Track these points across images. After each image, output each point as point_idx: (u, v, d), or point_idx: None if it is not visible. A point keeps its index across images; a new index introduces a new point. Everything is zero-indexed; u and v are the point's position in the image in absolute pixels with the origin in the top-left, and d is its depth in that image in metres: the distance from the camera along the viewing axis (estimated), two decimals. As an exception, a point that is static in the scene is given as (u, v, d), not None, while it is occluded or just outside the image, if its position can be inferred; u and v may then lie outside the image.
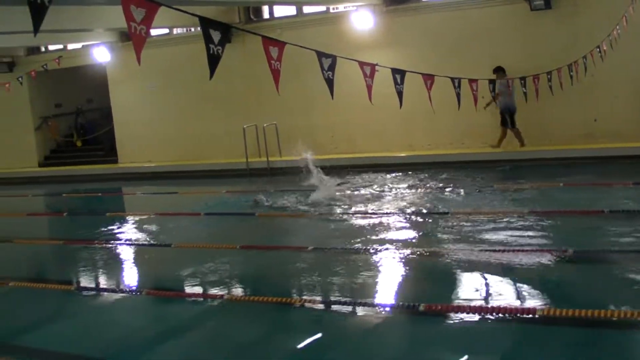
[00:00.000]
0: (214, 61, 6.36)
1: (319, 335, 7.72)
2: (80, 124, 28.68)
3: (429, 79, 11.82)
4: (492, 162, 17.46)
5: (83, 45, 24.98)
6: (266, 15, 22.25)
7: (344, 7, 20.96)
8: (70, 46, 25.70)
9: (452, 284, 8.85)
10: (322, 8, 21.27)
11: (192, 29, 22.76)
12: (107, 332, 8.51)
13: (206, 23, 6.38)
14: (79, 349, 7.90)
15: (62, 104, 28.30)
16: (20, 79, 24.93)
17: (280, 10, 22.02)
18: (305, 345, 7.45)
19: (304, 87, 19.90)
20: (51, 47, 26.28)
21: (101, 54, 24.16)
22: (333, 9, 21.36)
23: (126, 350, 7.78)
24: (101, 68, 25.21)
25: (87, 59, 25.06)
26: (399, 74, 10.70)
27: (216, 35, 6.36)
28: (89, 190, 18.62)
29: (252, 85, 21.44)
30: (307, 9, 21.49)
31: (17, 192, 20.90)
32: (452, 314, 7.66)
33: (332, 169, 16.88)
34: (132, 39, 5.94)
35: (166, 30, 23.25)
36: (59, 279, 11.21)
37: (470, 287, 8.66)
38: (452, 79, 12.22)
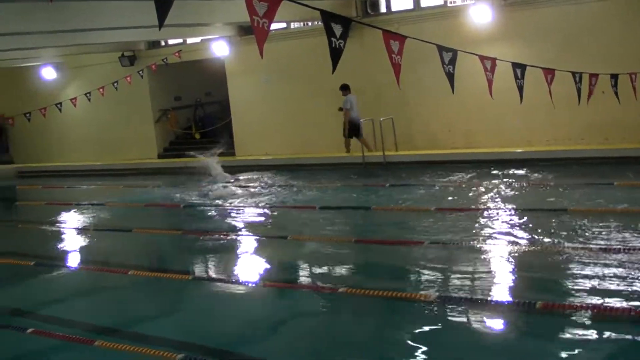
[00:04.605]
0: (336, 55, 6.36)
1: (430, 331, 7.66)
2: (199, 116, 29.15)
3: (549, 73, 11.63)
4: (613, 159, 16.99)
5: (202, 40, 25.35)
6: (383, 9, 22.18)
7: (462, 1, 20.76)
8: (190, 40, 26.11)
9: (570, 282, 8.68)
10: (440, 1, 21.10)
11: (309, 23, 22.86)
12: (223, 321, 8.65)
13: (328, 17, 6.37)
14: (196, 337, 8.02)
15: (181, 97, 28.82)
16: (141, 72, 25.55)
17: (397, 4, 21.91)
18: (418, 340, 7.42)
19: (421, 81, 19.77)
20: (171, 42, 26.76)
21: (220, 48, 24.47)
22: (450, 2, 21.18)
23: (242, 339, 7.87)
24: (219, 62, 25.54)
25: (206, 52, 25.42)
26: (519, 69, 10.56)
27: (338, 29, 6.36)
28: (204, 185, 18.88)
29: (369, 79, 21.40)
30: (424, 2, 21.34)
31: (137, 182, 21.31)
32: (569, 313, 7.51)
33: (447, 165, 16.76)
34: (255, 32, 5.98)
35: (284, 25, 23.40)
36: (177, 269, 11.41)
37: (589, 285, 8.46)
38: (573, 74, 11.98)
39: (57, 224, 16.14)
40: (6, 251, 13.90)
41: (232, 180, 19.25)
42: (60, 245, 14.26)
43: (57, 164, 28.25)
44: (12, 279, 11.75)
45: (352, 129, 21.04)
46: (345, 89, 20.87)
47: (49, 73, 29.18)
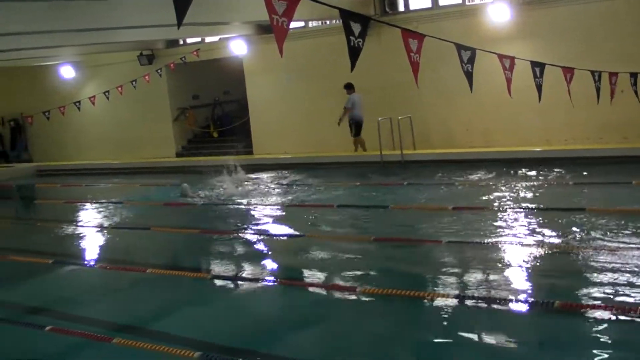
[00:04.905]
0: (354, 53, 6.36)
1: (448, 330, 7.64)
2: (217, 115, 29.23)
3: (568, 72, 11.59)
4: (631, 158, 16.90)
5: (220, 38, 25.41)
6: (401, 7, 22.17)
7: (480, 0, 20.74)
8: (208, 39, 26.19)
9: (589, 281, 8.65)
10: (458, 0, 21.08)
11: (328, 22, 22.89)
12: (241, 320, 8.64)
13: (346, 15, 6.37)
14: (213, 336, 8.03)
15: (200, 95, 28.90)
16: (159, 71, 25.64)
17: (416, 3, 21.90)
18: (437, 340, 7.41)
19: (439, 80, 19.76)
20: (189, 40, 26.85)
21: (238, 47, 24.54)
22: (469, 1, 21.15)
23: (259, 338, 7.88)
24: (238, 60, 25.62)
25: (224, 51, 25.51)
26: (538, 67, 10.53)
27: (356, 28, 6.35)
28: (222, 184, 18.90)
29: (387, 77, 21.42)
30: (442, 1, 21.34)
31: (155, 181, 21.36)
32: (588, 312, 7.48)
33: (465, 163, 16.71)
34: (274, 31, 5.99)
35: (302, 23, 23.42)
36: (195, 267, 11.43)
37: (607, 285, 8.41)
38: (593, 73, 11.93)
39: (75, 222, 16.18)
40: (25, 249, 13.97)
41: (247, 181, 19.27)
42: (78, 243, 14.31)
43: (75, 162, 28.35)
44: (30, 276, 11.79)
45: (357, 127, 21.40)
46: (349, 87, 21.31)
47: (67, 72, 29.34)
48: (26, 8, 14.72)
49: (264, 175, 20.17)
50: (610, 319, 7.25)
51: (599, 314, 7.36)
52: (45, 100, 28.15)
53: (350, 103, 21.27)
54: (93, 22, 16.54)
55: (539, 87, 10.46)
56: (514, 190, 14.48)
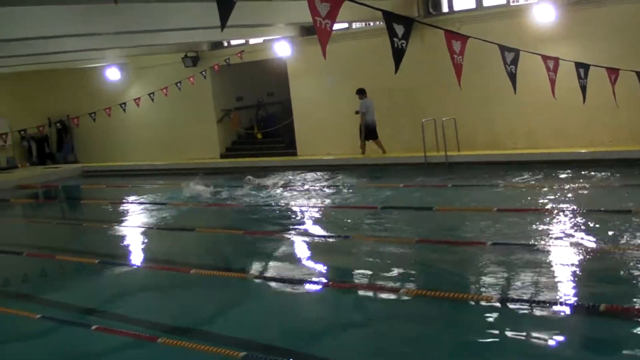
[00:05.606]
0: (398, 55, 6.36)
1: (491, 333, 7.62)
2: (261, 116, 29.32)
3: (613, 73, 11.48)
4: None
5: (264, 40, 25.48)
6: (445, 8, 22.09)
7: (525, 0, 20.62)
8: (252, 41, 26.26)
9: (635, 284, 8.57)
10: (502, 1, 20.98)
11: (371, 24, 22.87)
12: (285, 320, 8.68)
13: (390, 17, 6.37)
14: (257, 336, 8.06)
15: (243, 97, 28.99)
16: (204, 72, 25.77)
17: (460, 4, 21.82)
18: (480, 342, 7.39)
19: (483, 82, 19.65)
20: (233, 42, 26.95)
21: (282, 49, 24.58)
22: (513, 2, 21.03)
23: (304, 339, 7.92)
24: (281, 62, 25.67)
25: (268, 53, 25.57)
26: (582, 68, 10.44)
27: (400, 29, 6.35)
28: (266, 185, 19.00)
29: (431, 79, 21.35)
30: (486, 2, 21.23)
31: (200, 182, 21.47)
32: (633, 316, 7.42)
33: (509, 165, 16.63)
34: (318, 33, 6.01)
35: (345, 25, 23.43)
36: (239, 268, 11.49)
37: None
38: (638, 73, 11.80)
39: (121, 223, 16.33)
40: (71, 249, 14.15)
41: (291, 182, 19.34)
42: (123, 244, 14.45)
43: (120, 163, 28.60)
44: (77, 276, 11.96)
45: (369, 132, 21.82)
46: (361, 93, 21.88)
47: (113, 74, 29.59)
48: (72, 11, 14.86)
49: (308, 176, 20.20)
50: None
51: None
52: (91, 102, 28.39)
53: (364, 107, 21.68)
54: (138, 25, 16.67)
55: (584, 89, 10.37)
56: (559, 192, 14.38)
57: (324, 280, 10.24)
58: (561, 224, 11.83)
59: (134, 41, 20.79)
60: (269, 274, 10.96)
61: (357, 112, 21.79)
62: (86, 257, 12.78)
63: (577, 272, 9.49)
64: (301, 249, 12.50)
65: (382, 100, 22.38)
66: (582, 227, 11.50)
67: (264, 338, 7.95)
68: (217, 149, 28.40)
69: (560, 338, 7.33)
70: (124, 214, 17.72)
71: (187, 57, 27.22)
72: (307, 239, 12.96)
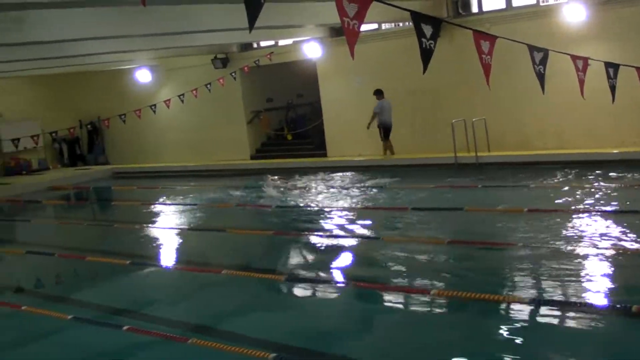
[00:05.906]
0: (426, 55, 6.36)
1: (522, 334, 7.59)
2: (290, 118, 29.36)
3: (644, 72, 11.37)
4: None
5: (294, 41, 25.53)
6: (475, 9, 22.03)
7: (555, 0, 20.52)
8: (282, 42, 26.31)
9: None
10: (532, 1, 20.90)
11: (400, 24, 22.86)
12: (316, 322, 8.71)
13: (418, 17, 6.37)
14: (288, 337, 8.09)
15: (273, 98, 29.04)
16: (233, 74, 25.84)
17: (489, 4, 21.76)
18: (511, 343, 7.37)
19: (513, 82, 19.59)
20: (263, 44, 27.02)
21: (312, 50, 24.61)
22: (543, 2, 20.94)
23: (334, 340, 7.93)
24: (311, 63, 25.71)
25: (297, 54, 25.61)
26: (612, 68, 10.35)
27: (428, 30, 6.35)
28: (296, 185, 19.05)
29: (460, 79, 21.32)
30: (516, 2, 21.16)
31: (230, 183, 21.52)
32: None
33: (540, 165, 16.55)
34: (346, 34, 6.02)
35: (374, 26, 23.44)
36: (269, 268, 11.50)
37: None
38: (669, 73, 11.71)
39: (151, 224, 16.42)
40: (103, 250, 14.25)
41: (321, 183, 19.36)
42: (154, 245, 14.53)
43: (151, 164, 28.71)
44: (108, 277, 12.02)
45: (386, 132, 22.02)
46: (379, 93, 22.05)
47: (143, 75, 29.75)
48: (103, 13, 14.95)
49: (338, 177, 20.21)
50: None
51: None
52: (121, 104, 28.52)
53: (379, 108, 21.78)
54: (168, 27, 16.77)
55: (613, 88, 10.29)
56: (590, 193, 14.29)
57: (353, 280, 10.23)
58: (593, 225, 11.77)
59: (163, 43, 20.91)
60: (299, 274, 10.96)
61: (374, 113, 21.95)
62: (117, 257, 12.86)
63: (609, 273, 9.44)
64: (330, 249, 12.47)
65: (411, 100, 22.37)
66: (614, 228, 11.42)
67: (294, 339, 7.98)
68: (247, 150, 28.48)
69: (591, 339, 7.30)
70: (154, 215, 17.83)
71: (216, 59, 27.33)
72: (336, 239, 12.94)
